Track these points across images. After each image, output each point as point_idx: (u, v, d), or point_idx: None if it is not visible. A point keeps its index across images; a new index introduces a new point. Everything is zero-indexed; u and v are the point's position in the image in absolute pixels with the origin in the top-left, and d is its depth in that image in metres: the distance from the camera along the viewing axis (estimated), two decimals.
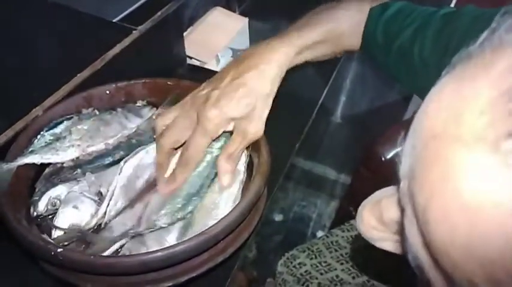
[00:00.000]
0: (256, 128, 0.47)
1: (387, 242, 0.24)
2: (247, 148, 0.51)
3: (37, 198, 0.45)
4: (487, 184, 0.15)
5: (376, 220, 0.24)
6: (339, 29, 0.54)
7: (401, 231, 0.21)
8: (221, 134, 0.48)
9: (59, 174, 0.47)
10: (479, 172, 0.16)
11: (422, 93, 0.56)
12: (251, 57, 0.49)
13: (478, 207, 0.16)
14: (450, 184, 0.16)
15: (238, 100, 0.46)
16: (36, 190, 0.46)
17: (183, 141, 0.48)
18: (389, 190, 0.24)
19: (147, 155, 0.49)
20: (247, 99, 0.46)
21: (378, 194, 0.25)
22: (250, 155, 0.51)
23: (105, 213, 0.45)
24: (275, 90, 0.49)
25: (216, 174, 0.48)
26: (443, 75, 0.20)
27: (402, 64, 0.52)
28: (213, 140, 0.49)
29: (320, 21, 0.53)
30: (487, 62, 0.17)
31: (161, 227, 0.44)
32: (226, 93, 0.46)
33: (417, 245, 0.19)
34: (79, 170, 0.47)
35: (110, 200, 0.45)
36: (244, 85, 0.46)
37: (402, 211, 0.20)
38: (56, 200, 0.46)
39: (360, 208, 0.25)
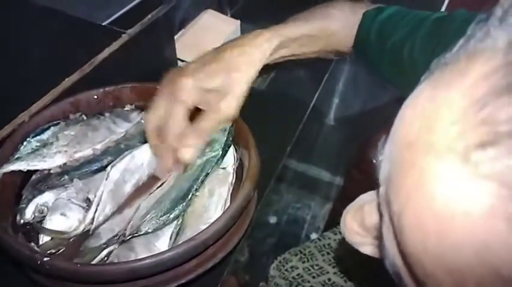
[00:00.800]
0: (228, 105, 0.46)
1: (369, 247, 0.24)
2: (236, 149, 0.51)
3: (24, 205, 0.44)
4: (457, 194, 0.16)
5: (359, 225, 0.24)
6: (331, 28, 0.54)
7: (379, 237, 0.21)
8: (214, 141, 0.48)
9: (46, 181, 0.46)
10: (450, 182, 0.16)
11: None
12: (235, 41, 0.49)
13: (449, 216, 0.16)
14: (423, 192, 0.17)
15: (215, 73, 0.46)
16: (23, 197, 0.45)
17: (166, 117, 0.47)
18: (371, 194, 0.24)
19: (134, 159, 0.48)
20: (223, 74, 0.46)
21: (361, 198, 0.25)
22: (240, 159, 0.51)
23: (93, 219, 0.45)
24: (253, 73, 0.48)
25: (206, 176, 0.48)
26: (421, 81, 0.20)
27: (393, 66, 0.52)
28: (206, 146, 0.48)
29: (311, 17, 0.53)
30: (461, 70, 0.17)
31: (147, 233, 0.43)
32: (203, 65, 0.46)
33: (393, 252, 0.19)
34: (66, 177, 0.46)
35: (98, 205, 0.45)
36: (223, 61, 0.46)
37: (381, 216, 0.20)
38: (43, 207, 0.45)
39: (344, 212, 0.25)
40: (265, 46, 0.49)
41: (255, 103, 0.58)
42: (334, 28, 0.54)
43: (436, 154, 0.16)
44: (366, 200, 0.24)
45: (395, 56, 0.51)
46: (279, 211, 1.24)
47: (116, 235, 0.44)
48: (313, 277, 0.65)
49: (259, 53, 0.48)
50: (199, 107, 0.47)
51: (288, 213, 1.24)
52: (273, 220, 1.23)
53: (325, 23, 0.53)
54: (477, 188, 0.15)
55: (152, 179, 0.49)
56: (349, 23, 0.55)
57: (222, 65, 0.46)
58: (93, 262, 0.42)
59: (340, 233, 0.71)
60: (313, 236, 1.19)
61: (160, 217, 0.45)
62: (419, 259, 0.17)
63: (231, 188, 0.48)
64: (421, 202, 0.17)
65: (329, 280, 0.64)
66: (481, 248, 0.15)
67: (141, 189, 0.48)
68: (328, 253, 0.68)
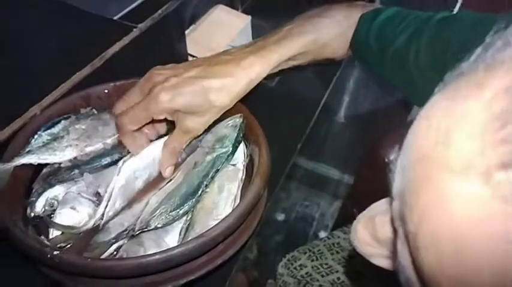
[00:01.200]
0: (197, 126, 0.48)
1: (382, 259, 0.24)
2: (246, 146, 0.50)
3: (34, 199, 0.44)
4: (477, 215, 0.15)
5: (371, 236, 0.23)
6: (322, 40, 0.52)
7: (393, 252, 0.20)
8: (224, 138, 0.47)
9: (56, 174, 0.46)
10: (469, 202, 0.15)
11: (418, 100, 0.54)
12: (226, 63, 0.48)
13: (468, 239, 0.15)
14: (439, 212, 0.16)
15: (192, 97, 0.46)
16: (34, 190, 0.45)
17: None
18: (383, 204, 0.23)
19: (145, 155, 0.48)
20: (200, 101, 0.46)
21: (372, 208, 0.24)
22: (250, 155, 0.50)
23: (103, 214, 0.45)
24: (234, 103, 0.49)
25: (216, 172, 0.47)
26: (436, 93, 0.19)
27: (397, 71, 0.51)
28: (216, 143, 0.48)
29: (302, 33, 0.52)
30: (479, 81, 0.16)
31: (156, 228, 0.43)
32: (184, 84, 0.46)
33: (409, 269, 0.18)
34: (77, 171, 0.46)
35: (108, 201, 0.45)
36: (204, 88, 0.46)
37: (395, 231, 0.20)
38: (53, 201, 0.45)
39: (354, 222, 0.24)
40: (253, 79, 0.49)
41: (264, 100, 0.58)
42: (324, 41, 0.53)
43: (453, 171, 0.15)
44: (378, 210, 0.23)
45: (400, 62, 0.49)
46: (287, 209, 1.23)
47: (126, 230, 0.44)
48: (322, 276, 0.64)
49: (245, 87, 0.48)
50: (167, 117, 0.47)
51: (297, 211, 1.23)
52: (281, 217, 1.23)
53: (315, 37, 0.52)
54: (498, 210, 0.14)
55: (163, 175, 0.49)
56: (342, 30, 0.53)
57: (202, 93, 0.46)
58: (102, 257, 0.42)
59: (351, 232, 0.70)
60: (322, 234, 1.18)
61: (170, 212, 0.44)
62: (436, 279, 0.16)
63: (241, 185, 0.48)
64: (437, 222, 0.16)
65: (338, 279, 0.64)
66: (500, 272, 0.14)
67: (152, 184, 0.48)
68: (337, 252, 0.67)
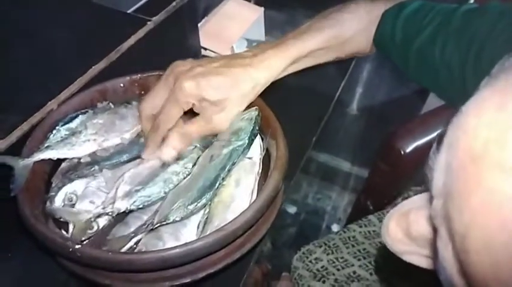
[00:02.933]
0: (221, 120, 0.48)
1: (415, 256, 0.23)
2: (262, 139, 0.50)
3: (54, 193, 0.45)
4: None
5: (403, 233, 0.22)
6: (343, 36, 0.52)
7: (433, 251, 0.20)
8: (240, 130, 0.47)
9: (76, 170, 0.46)
10: None
11: (443, 94, 0.53)
12: (246, 57, 0.49)
13: None
14: (492, 215, 0.15)
15: (218, 84, 0.46)
16: (53, 185, 0.46)
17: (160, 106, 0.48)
18: (417, 200, 0.23)
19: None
20: (225, 89, 0.46)
21: (405, 204, 0.24)
22: (267, 148, 0.50)
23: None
24: (254, 96, 0.49)
25: (233, 165, 0.47)
26: (483, 86, 0.18)
27: (422, 65, 0.50)
28: (232, 135, 0.48)
29: (322, 28, 0.51)
30: None
31: (174, 221, 0.43)
32: (209, 73, 0.46)
33: (452, 270, 0.18)
34: (96, 167, 0.46)
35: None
36: (228, 76, 0.46)
37: (434, 230, 0.19)
38: (72, 195, 0.46)
39: (385, 218, 0.24)
40: (273, 70, 0.49)
41: (278, 93, 0.57)
42: (346, 36, 0.52)
43: (508, 172, 0.15)
44: (412, 206, 0.22)
45: (425, 56, 0.48)
46: (299, 201, 1.23)
47: (144, 224, 0.44)
48: (338, 270, 0.64)
49: (265, 77, 0.49)
50: (194, 110, 0.48)
51: (309, 203, 1.23)
52: (292, 210, 1.23)
53: (336, 33, 0.51)
54: None
55: None
56: (364, 25, 0.52)
57: (226, 80, 0.46)
58: (122, 250, 0.42)
59: (366, 225, 0.70)
60: (334, 227, 1.18)
61: (188, 205, 0.44)
62: (487, 283, 0.16)
63: (258, 178, 0.48)
64: (492, 226, 0.15)
65: (354, 272, 0.63)
66: None
67: None
68: (353, 246, 0.67)
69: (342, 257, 0.66)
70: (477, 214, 0.16)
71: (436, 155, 0.19)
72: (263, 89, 0.49)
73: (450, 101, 0.50)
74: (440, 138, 0.18)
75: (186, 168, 0.47)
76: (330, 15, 0.53)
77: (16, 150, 0.45)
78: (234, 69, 0.47)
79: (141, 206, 0.44)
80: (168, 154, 0.47)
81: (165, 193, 0.45)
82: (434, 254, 0.19)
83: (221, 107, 0.47)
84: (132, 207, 0.44)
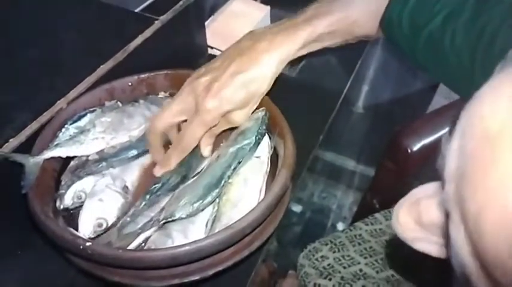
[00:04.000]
0: (241, 119, 0.50)
1: (426, 244, 0.23)
2: (270, 138, 0.50)
3: (63, 191, 0.45)
4: None
5: (414, 221, 0.22)
6: (350, 18, 0.51)
7: (445, 236, 0.20)
8: (247, 130, 0.47)
9: (84, 167, 0.46)
10: None
11: (451, 82, 0.52)
12: (254, 49, 0.49)
13: None
14: (509, 193, 0.15)
15: (237, 95, 0.47)
16: (62, 183, 0.46)
17: (176, 124, 0.50)
18: (429, 188, 0.23)
19: None
20: (244, 96, 0.48)
21: (416, 192, 0.24)
22: (274, 147, 0.50)
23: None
24: (269, 87, 0.50)
25: (239, 164, 0.47)
26: (498, 72, 0.18)
27: (431, 53, 0.49)
28: (239, 135, 0.48)
29: (330, 10, 0.51)
30: None
31: (181, 218, 0.44)
32: (227, 86, 0.47)
33: (464, 253, 0.18)
34: (104, 163, 0.46)
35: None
36: (244, 83, 0.47)
37: (447, 215, 0.19)
38: (81, 193, 0.46)
39: (396, 206, 0.24)
40: (283, 58, 0.49)
41: (285, 91, 0.57)
42: (353, 19, 0.51)
43: None
44: (422, 195, 0.23)
45: (435, 44, 0.48)
46: (304, 200, 1.23)
47: (151, 220, 0.44)
48: (344, 268, 0.64)
49: (276, 69, 0.49)
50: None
51: (314, 202, 1.23)
52: (297, 208, 1.23)
53: (344, 15, 0.51)
54: None
55: None
56: (372, 7, 0.52)
57: (245, 89, 0.47)
58: (130, 247, 0.42)
59: (372, 223, 0.70)
60: (340, 225, 1.18)
61: (194, 203, 0.45)
62: (503, 263, 0.16)
63: (266, 177, 0.48)
64: (506, 203, 0.15)
65: (360, 270, 0.63)
66: None
67: None
68: (359, 244, 0.67)
69: (348, 255, 0.66)
70: (492, 193, 0.16)
71: (449, 141, 0.19)
72: (276, 76, 0.50)
73: (457, 90, 0.49)
74: (453, 125, 0.19)
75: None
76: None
77: (26, 148, 0.45)
78: (247, 72, 0.47)
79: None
80: (208, 151, 0.51)
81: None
82: (447, 239, 0.19)
83: (239, 109, 0.49)
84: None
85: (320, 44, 0.53)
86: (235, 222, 0.40)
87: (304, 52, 0.52)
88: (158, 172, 0.48)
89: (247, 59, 0.48)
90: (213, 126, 0.49)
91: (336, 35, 0.52)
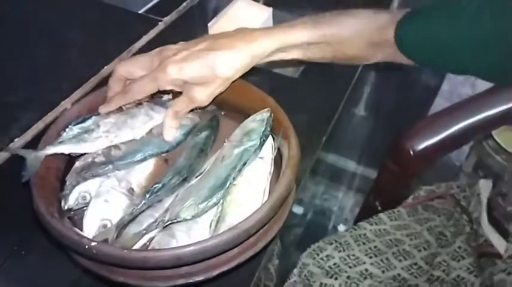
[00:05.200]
0: (203, 98, 0.50)
1: None
2: (274, 139, 0.50)
3: (68, 192, 0.45)
4: None
5: None
6: (341, 35, 0.51)
7: None
8: (252, 131, 0.47)
9: (90, 169, 0.46)
10: None
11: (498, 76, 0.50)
12: (232, 37, 0.50)
13: None
14: None
15: (199, 69, 0.48)
16: (67, 183, 0.46)
17: (135, 76, 0.50)
18: None
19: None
20: (206, 72, 0.48)
21: None
22: (278, 148, 0.50)
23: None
24: (237, 76, 0.50)
25: (243, 165, 0.47)
26: None
27: (475, 52, 0.47)
28: (244, 136, 0.48)
29: (320, 23, 0.51)
30: None
31: (185, 219, 0.44)
32: (192, 57, 0.48)
33: None
34: (110, 166, 0.47)
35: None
36: (210, 59, 0.48)
37: None
38: (86, 194, 0.46)
39: None
40: (257, 53, 0.49)
41: (288, 92, 0.57)
42: (345, 35, 0.51)
43: None
44: None
45: (476, 42, 0.46)
46: (305, 201, 1.23)
47: (155, 221, 0.44)
48: (350, 267, 0.64)
49: (249, 60, 0.49)
50: (174, 89, 0.50)
51: (315, 204, 1.23)
52: (298, 210, 1.23)
53: (335, 30, 0.51)
54: None
55: None
56: (365, 29, 0.51)
57: (208, 64, 0.48)
58: (135, 247, 0.42)
59: (376, 223, 0.70)
60: (341, 227, 1.18)
61: (199, 204, 0.45)
62: None
63: (270, 178, 0.48)
64: None
65: (366, 270, 0.64)
66: None
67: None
68: (364, 243, 0.67)
69: (353, 255, 0.66)
70: None
71: None
72: (247, 70, 0.50)
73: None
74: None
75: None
76: (330, 15, 0.53)
77: (31, 147, 0.45)
78: (217, 51, 0.48)
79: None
80: (171, 134, 0.50)
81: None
82: None
83: (202, 88, 0.49)
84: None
85: (305, 53, 0.52)
86: (239, 222, 0.40)
87: (285, 57, 0.52)
88: (101, 109, 0.50)
89: (222, 42, 0.49)
90: (177, 108, 0.49)
91: (325, 49, 0.52)
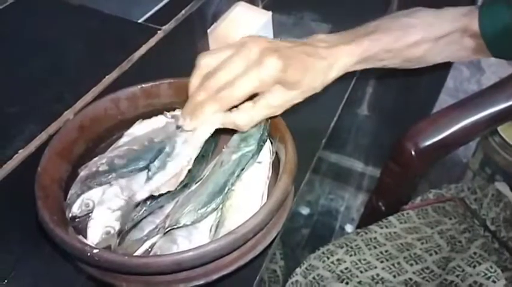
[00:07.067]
0: (282, 105, 0.46)
1: None
2: (272, 143, 0.51)
3: (72, 200, 0.46)
4: None
5: None
6: (408, 38, 0.51)
7: None
8: (249, 137, 0.48)
9: (94, 177, 0.48)
10: None
11: None
12: (320, 48, 0.48)
13: None
14: None
15: (299, 71, 0.44)
16: (73, 192, 0.47)
17: (224, 73, 0.43)
18: None
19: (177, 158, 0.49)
20: (302, 77, 0.45)
21: None
22: (276, 152, 0.51)
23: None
24: (320, 88, 0.49)
25: (242, 171, 0.48)
26: None
27: None
28: (241, 142, 0.49)
29: (389, 29, 0.51)
30: None
31: (185, 225, 0.45)
32: (294, 57, 0.44)
33: None
34: (114, 174, 0.48)
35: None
36: (309, 63, 0.46)
37: None
38: (89, 201, 0.47)
39: None
40: (343, 67, 0.49)
41: None
42: (409, 41, 0.51)
43: None
44: None
45: None
46: (312, 202, 1.24)
47: (156, 227, 0.45)
48: (361, 272, 0.64)
49: (335, 73, 0.49)
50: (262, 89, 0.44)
51: (321, 204, 1.24)
52: (305, 211, 1.23)
53: (400, 34, 0.51)
54: None
55: None
56: (429, 34, 0.52)
57: (308, 68, 0.45)
58: (136, 253, 0.43)
59: (386, 227, 0.70)
60: (348, 227, 1.18)
61: (198, 209, 0.46)
62: None
63: (268, 182, 0.49)
64: None
65: (377, 275, 0.63)
66: None
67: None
68: (375, 247, 0.67)
69: (364, 259, 0.65)
70: None
71: None
72: (328, 83, 0.49)
73: None
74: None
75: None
76: (396, 18, 0.53)
77: (35, 159, 0.47)
78: (313, 59, 0.46)
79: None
80: (243, 119, 0.44)
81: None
82: None
83: (290, 91, 0.45)
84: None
85: (381, 63, 0.52)
86: (237, 227, 0.40)
87: (363, 67, 0.52)
88: (187, 125, 0.44)
89: (314, 54, 0.46)
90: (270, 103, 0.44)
91: (393, 56, 0.52)
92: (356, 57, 0.49)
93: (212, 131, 0.46)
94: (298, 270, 0.69)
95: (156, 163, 0.48)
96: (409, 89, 1.03)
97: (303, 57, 0.45)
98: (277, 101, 0.46)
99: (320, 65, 0.47)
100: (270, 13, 0.83)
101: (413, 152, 0.66)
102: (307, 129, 0.61)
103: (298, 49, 0.46)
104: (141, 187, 0.46)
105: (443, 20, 0.52)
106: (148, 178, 0.47)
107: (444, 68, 1.09)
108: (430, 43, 0.52)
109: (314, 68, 0.46)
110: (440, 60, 0.57)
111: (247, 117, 0.45)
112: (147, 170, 0.48)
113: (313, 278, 0.67)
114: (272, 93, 0.45)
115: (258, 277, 0.50)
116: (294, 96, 0.47)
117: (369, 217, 0.75)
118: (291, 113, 0.51)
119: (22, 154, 0.47)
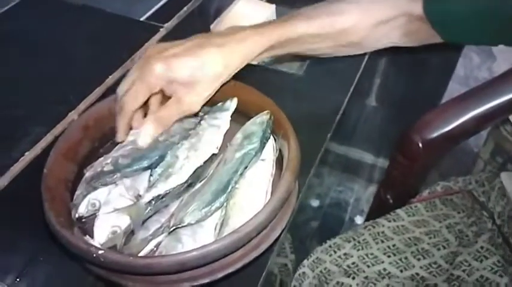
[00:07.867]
0: (191, 100, 0.48)
1: None
2: (275, 140, 0.51)
3: (78, 201, 0.47)
4: None
5: None
6: (342, 24, 0.50)
7: None
8: (252, 135, 0.48)
9: (99, 178, 0.48)
10: None
11: None
12: (223, 36, 0.49)
13: None
14: None
15: (187, 66, 0.46)
16: (79, 192, 0.48)
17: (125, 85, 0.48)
18: None
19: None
20: (194, 70, 0.46)
21: None
22: (279, 149, 0.51)
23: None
24: (227, 75, 0.49)
25: (245, 169, 0.48)
26: None
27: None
28: (244, 139, 0.49)
29: (318, 14, 0.50)
30: None
31: (190, 224, 0.45)
32: (180, 54, 0.47)
33: None
34: (118, 174, 0.48)
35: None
36: (199, 56, 0.47)
37: None
38: (95, 201, 0.48)
39: None
40: (246, 51, 0.49)
41: (293, 88, 0.57)
42: (346, 25, 0.50)
43: None
44: None
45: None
46: (321, 194, 1.23)
47: (161, 227, 0.46)
48: (368, 267, 0.63)
49: (239, 59, 0.48)
50: (165, 93, 0.48)
51: (331, 196, 1.23)
52: (315, 203, 1.23)
53: (335, 20, 0.50)
54: None
55: None
56: (366, 16, 0.51)
57: (197, 61, 0.47)
58: (142, 253, 0.44)
59: (394, 220, 0.69)
60: (358, 219, 1.17)
61: (202, 208, 0.46)
62: None
63: (271, 179, 0.49)
64: None
65: (384, 270, 0.63)
66: None
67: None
68: (382, 241, 0.66)
69: (371, 254, 0.65)
70: None
71: None
72: (237, 70, 0.49)
73: None
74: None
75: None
76: (328, 4, 0.52)
77: (41, 161, 0.47)
78: (206, 49, 0.47)
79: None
80: (144, 141, 0.49)
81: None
82: None
83: (191, 89, 0.47)
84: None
85: (306, 46, 0.52)
86: (240, 226, 0.41)
87: (282, 51, 0.51)
88: (117, 139, 0.49)
89: (213, 41, 0.48)
90: (162, 114, 0.48)
91: (325, 39, 0.51)
92: (266, 43, 0.49)
93: (157, 132, 0.50)
94: (305, 262, 0.69)
95: (158, 169, 0.48)
96: (418, 78, 1.01)
97: (194, 50, 0.47)
98: (184, 98, 0.48)
99: (217, 55, 0.47)
100: (273, 6, 0.82)
101: (420, 145, 0.65)
102: (314, 121, 0.60)
103: (189, 44, 0.47)
104: (145, 190, 0.47)
105: (384, 5, 0.51)
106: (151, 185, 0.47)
107: (454, 56, 1.07)
108: (366, 29, 0.51)
109: (209, 55, 0.47)
110: (381, 46, 0.55)
111: (167, 113, 0.49)
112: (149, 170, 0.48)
113: (320, 271, 0.66)
114: (176, 93, 0.48)
115: (264, 274, 0.50)
116: (201, 90, 0.48)
117: (377, 210, 0.74)
118: (297, 108, 0.50)
119: (28, 156, 0.48)
